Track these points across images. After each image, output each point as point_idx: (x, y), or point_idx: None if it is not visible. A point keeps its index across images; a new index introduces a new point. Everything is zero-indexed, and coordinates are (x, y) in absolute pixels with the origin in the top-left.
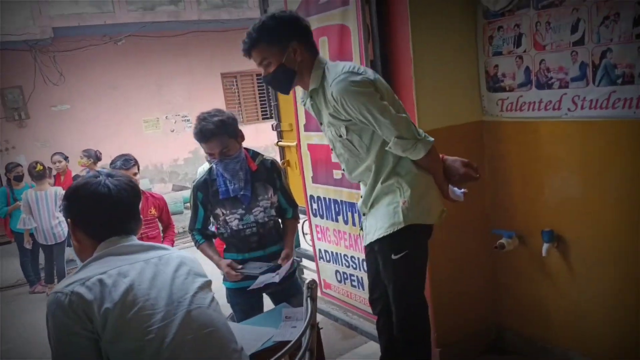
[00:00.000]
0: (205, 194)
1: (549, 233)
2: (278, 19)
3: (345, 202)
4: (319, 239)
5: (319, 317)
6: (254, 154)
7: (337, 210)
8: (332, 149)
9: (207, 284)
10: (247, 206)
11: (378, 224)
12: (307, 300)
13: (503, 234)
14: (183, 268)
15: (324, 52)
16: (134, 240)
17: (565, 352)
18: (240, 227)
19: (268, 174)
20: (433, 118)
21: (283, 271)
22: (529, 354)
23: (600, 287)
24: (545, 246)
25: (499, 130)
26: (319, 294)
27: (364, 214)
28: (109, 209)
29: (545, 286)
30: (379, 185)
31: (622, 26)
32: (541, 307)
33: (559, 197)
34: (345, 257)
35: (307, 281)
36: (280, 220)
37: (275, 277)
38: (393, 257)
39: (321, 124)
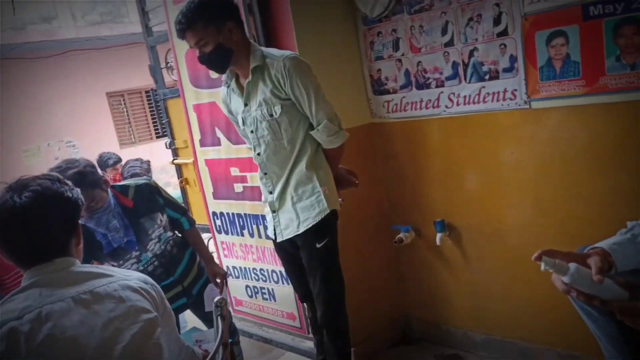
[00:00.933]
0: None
1: (441, 223)
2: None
3: (249, 215)
4: (225, 255)
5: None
6: (123, 189)
7: (241, 224)
8: (251, 132)
9: (151, 323)
10: (139, 247)
11: (302, 215)
12: (217, 319)
13: (401, 228)
14: (121, 306)
15: None
16: (71, 262)
17: (466, 332)
18: (141, 268)
19: (149, 201)
20: None
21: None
22: (435, 339)
23: (491, 266)
24: (438, 235)
25: (387, 130)
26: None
27: (274, 211)
28: (17, 230)
29: (443, 273)
30: (295, 174)
31: (484, 26)
32: (442, 293)
33: (446, 188)
34: (254, 271)
35: (215, 299)
36: (178, 233)
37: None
38: (317, 245)
39: (245, 105)
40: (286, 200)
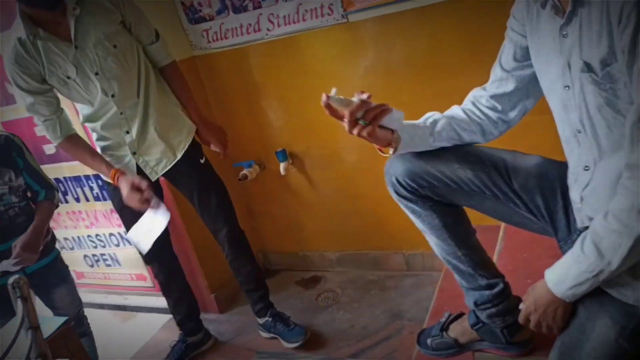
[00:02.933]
0: None
1: (282, 152)
2: None
3: (69, 178)
4: (53, 227)
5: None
6: None
7: (62, 189)
8: (96, 74)
9: None
10: None
11: (174, 141)
12: (17, 302)
13: (243, 165)
14: None
15: None
16: None
17: (322, 253)
18: None
19: (2, 154)
20: None
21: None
22: (294, 266)
23: (336, 186)
24: (282, 165)
25: (212, 62)
26: None
27: (134, 153)
28: None
29: (293, 201)
30: (152, 103)
31: None
32: (295, 221)
33: (282, 117)
34: (90, 238)
35: (10, 280)
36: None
37: (10, 266)
38: (202, 161)
39: (76, 48)
40: (149, 133)
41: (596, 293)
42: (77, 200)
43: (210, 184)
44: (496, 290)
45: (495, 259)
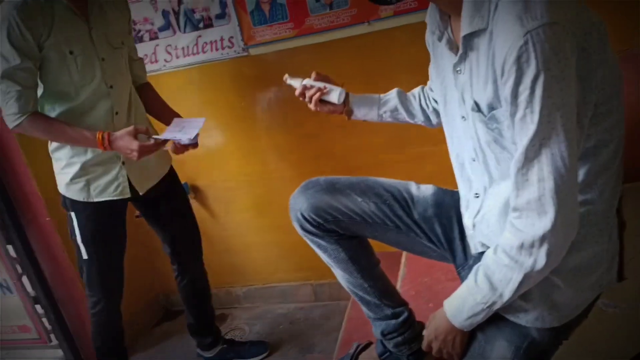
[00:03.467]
0: None
1: (184, 186)
2: None
3: None
4: None
5: None
6: None
7: None
8: (101, 60)
9: None
10: None
11: (160, 158)
12: None
13: None
14: None
15: None
16: None
17: (228, 289)
18: None
19: None
20: None
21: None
22: None
23: (240, 219)
24: None
25: None
26: None
27: (123, 162)
28: None
29: None
30: (139, 111)
31: None
32: None
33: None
34: None
35: None
36: None
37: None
38: (182, 188)
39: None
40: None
41: (492, 317)
42: None
43: (189, 209)
44: (401, 318)
45: (398, 285)
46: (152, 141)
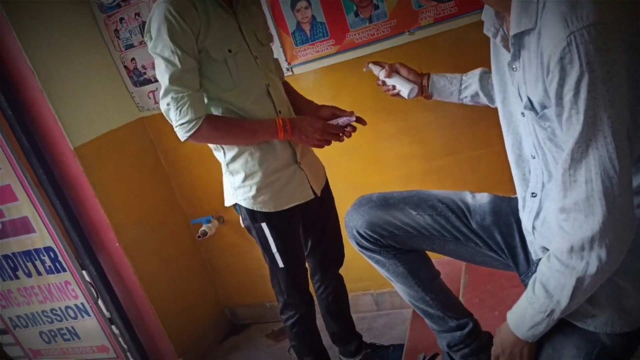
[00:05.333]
0: None
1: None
2: None
3: (18, 253)
4: (3, 306)
5: None
6: None
7: (12, 266)
8: (255, 59)
9: None
10: None
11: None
12: None
13: (202, 221)
14: None
15: None
16: None
17: None
18: None
19: None
20: (86, 129)
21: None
22: (263, 318)
23: None
24: (241, 217)
25: (160, 123)
26: None
27: (298, 163)
28: None
29: (255, 251)
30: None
31: None
32: (259, 272)
33: None
34: (45, 314)
35: None
36: None
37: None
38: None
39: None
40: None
41: (559, 324)
42: (29, 275)
43: (337, 219)
44: (467, 330)
45: (460, 294)
46: (339, 121)
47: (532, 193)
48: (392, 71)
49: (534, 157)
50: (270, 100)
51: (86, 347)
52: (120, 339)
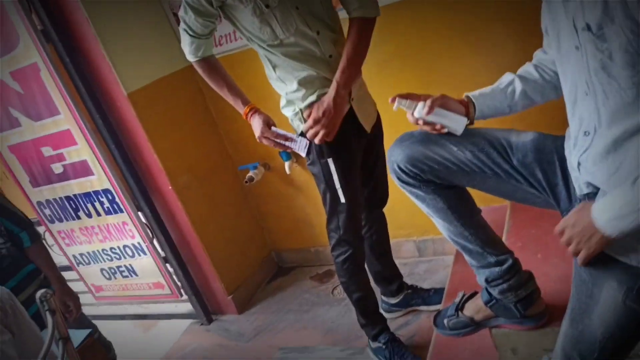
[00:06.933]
0: None
1: (285, 152)
2: None
3: (79, 195)
4: (67, 244)
5: (106, 324)
6: None
7: (74, 207)
8: (295, 9)
9: None
10: None
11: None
12: (45, 314)
13: (249, 167)
14: None
15: None
16: None
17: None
18: None
19: None
20: (138, 76)
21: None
22: (308, 262)
23: None
24: (286, 164)
25: None
26: (93, 300)
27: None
28: None
29: (300, 198)
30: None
31: None
32: (303, 218)
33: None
34: (105, 252)
35: (38, 294)
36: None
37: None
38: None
39: None
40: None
41: (602, 259)
42: (89, 215)
43: (385, 159)
44: (506, 266)
45: (504, 237)
46: (273, 134)
47: (585, 132)
48: (435, 106)
49: (587, 94)
50: (318, 46)
51: (143, 283)
52: (174, 276)
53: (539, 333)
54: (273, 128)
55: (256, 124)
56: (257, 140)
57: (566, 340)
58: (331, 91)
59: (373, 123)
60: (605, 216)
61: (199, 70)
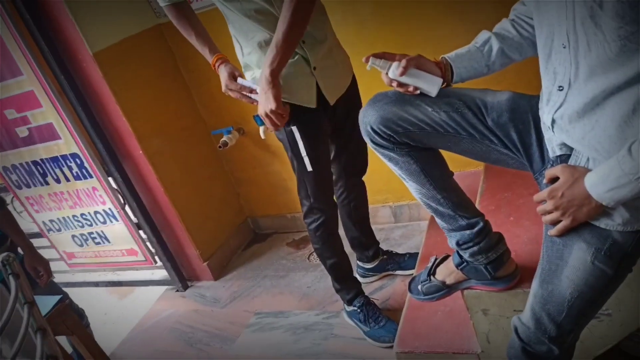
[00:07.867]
0: None
1: (259, 116)
2: None
3: (46, 159)
4: (37, 211)
5: (80, 291)
6: None
7: (41, 172)
8: None
9: None
10: None
11: (345, 63)
12: (8, 279)
13: (222, 132)
14: None
15: None
16: None
17: None
18: None
19: None
20: (104, 35)
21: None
22: (284, 228)
23: None
24: (261, 129)
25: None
26: (65, 267)
27: (314, 68)
28: None
29: (275, 163)
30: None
31: None
32: (279, 183)
33: None
34: (75, 218)
35: None
36: None
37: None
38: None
39: None
40: (327, 46)
41: None
42: (58, 181)
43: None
44: (476, 228)
45: (477, 201)
46: (237, 85)
47: (559, 86)
48: (410, 67)
49: (564, 47)
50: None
51: (116, 250)
52: (148, 243)
53: (510, 294)
54: (239, 80)
55: (222, 76)
56: (223, 92)
57: (535, 301)
58: (261, 81)
59: (340, 94)
60: (600, 188)
61: (170, 16)
